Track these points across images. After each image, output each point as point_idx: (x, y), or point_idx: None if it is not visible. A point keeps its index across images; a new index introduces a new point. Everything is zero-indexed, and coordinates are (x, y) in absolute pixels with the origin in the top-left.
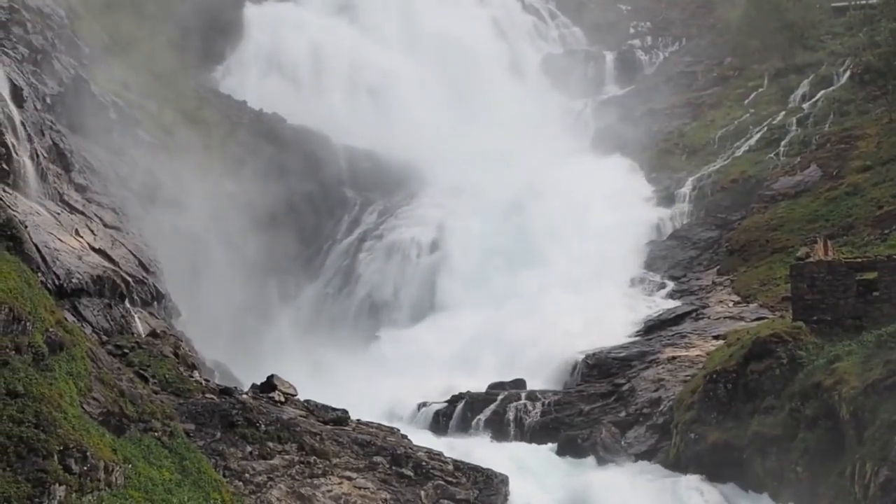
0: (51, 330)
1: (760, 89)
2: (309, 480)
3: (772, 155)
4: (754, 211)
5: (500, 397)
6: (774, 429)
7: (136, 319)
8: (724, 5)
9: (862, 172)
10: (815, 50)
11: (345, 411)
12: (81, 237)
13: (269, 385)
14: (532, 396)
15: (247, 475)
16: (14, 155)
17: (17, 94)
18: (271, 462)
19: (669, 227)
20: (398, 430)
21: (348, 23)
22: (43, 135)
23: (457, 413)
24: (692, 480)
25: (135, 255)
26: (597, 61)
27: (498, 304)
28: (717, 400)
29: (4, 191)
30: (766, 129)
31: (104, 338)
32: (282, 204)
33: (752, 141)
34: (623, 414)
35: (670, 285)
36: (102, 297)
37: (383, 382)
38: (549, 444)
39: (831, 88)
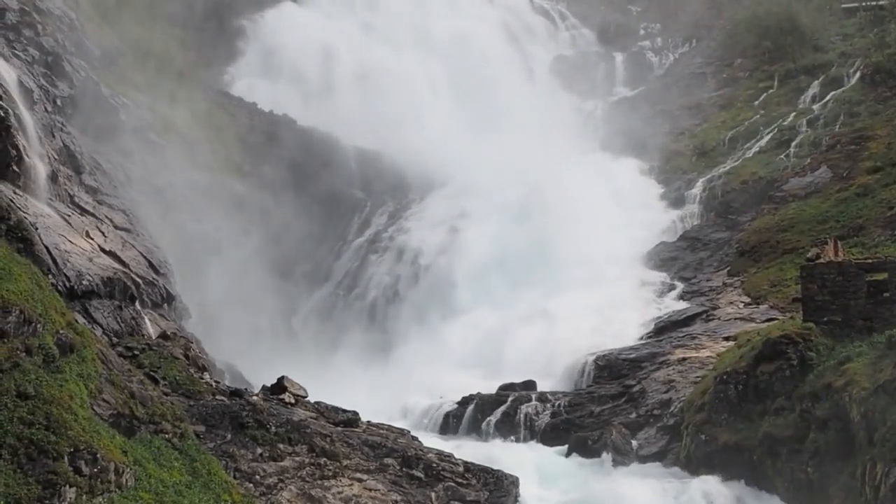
0: (61, 332)
1: (770, 90)
2: (319, 482)
3: (782, 156)
4: (764, 212)
5: (510, 399)
6: (785, 430)
7: (147, 321)
8: (734, 7)
9: (872, 173)
10: (825, 51)
11: (355, 413)
12: (92, 239)
13: (280, 387)
14: (542, 398)
15: (257, 477)
16: (25, 157)
17: (27, 96)
18: (282, 464)
19: (680, 228)
20: (408, 432)
21: (358, 24)
22: (53, 137)
23: (467, 414)
24: (703, 482)
25: (145, 257)
26: (607, 62)
27: (508, 306)
28: (727, 401)
29: (15, 193)
30: (776, 130)
31: (114, 339)
32: (292, 206)
33: (763, 142)
34: (633, 415)
35: (680, 286)
36: (113, 298)
37: (394, 384)
38: (560, 446)
39: (841, 89)
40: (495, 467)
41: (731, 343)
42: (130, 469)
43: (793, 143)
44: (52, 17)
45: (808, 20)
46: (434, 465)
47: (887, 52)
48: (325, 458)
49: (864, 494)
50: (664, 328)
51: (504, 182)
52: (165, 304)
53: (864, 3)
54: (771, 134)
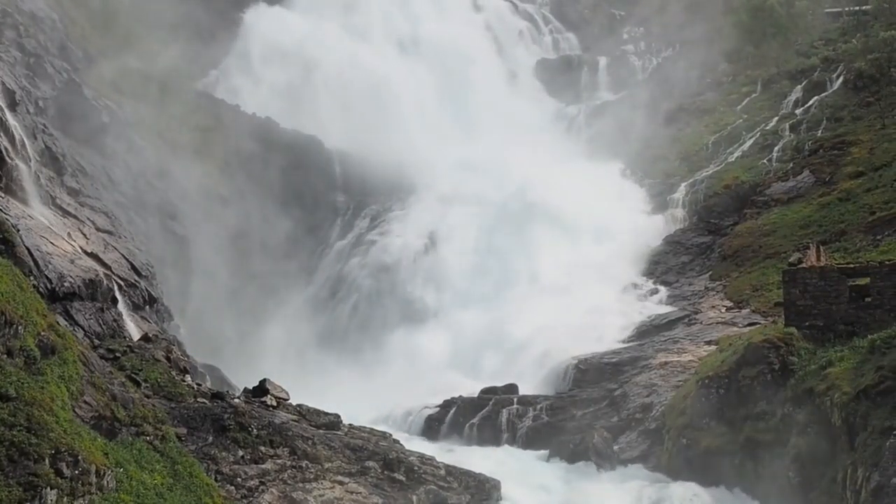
0: (43, 334)
1: (753, 95)
2: (301, 485)
3: (765, 160)
4: (747, 216)
5: (491, 402)
6: (766, 434)
7: (129, 323)
8: (717, 11)
9: (855, 178)
10: (808, 56)
11: (337, 416)
12: (74, 241)
13: (262, 389)
14: (524, 401)
15: (238, 479)
16: (6, 159)
17: (9, 98)
18: (263, 466)
19: (662, 232)
20: (390, 435)
21: (343, 27)
22: (35, 138)
23: (449, 418)
24: (684, 486)
25: (127, 259)
26: (590, 66)
27: (490, 310)
28: (709, 405)
29: None
30: (759, 134)
31: (96, 342)
32: (274, 208)
33: (746, 146)
34: (615, 419)
35: (663, 290)
36: (95, 300)
37: (375, 387)
38: (542, 450)
39: (824, 94)
40: (477, 471)
41: (714, 347)
42: (111, 471)
43: (775, 148)
44: (34, 19)
45: (792, 25)
46: (415, 468)
47: (870, 58)
48: (306, 461)
49: (846, 499)
50: (646, 332)
51: (487, 185)
52: (147, 307)
53: (847, 8)
54: (754, 138)
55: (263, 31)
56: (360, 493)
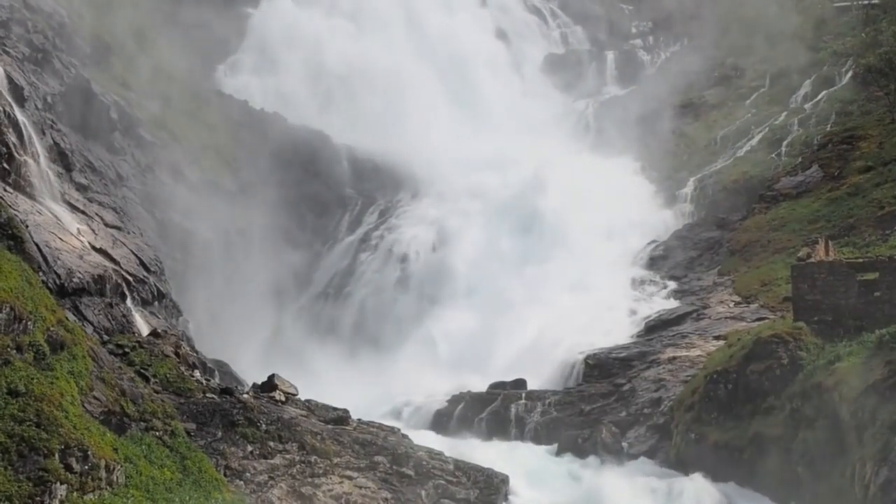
0: (52, 329)
1: (762, 89)
2: (310, 480)
3: (773, 155)
4: (755, 211)
5: (500, 397)
6: (775, 429)
7: (137, 319)
8: (726, 5)
9: (863, 173)
10: (817, 50)
11: (346, 411)
12: (82, 236)
13: (270, 385)
14: (533, 396)
15: (248, 474)
16: (15, 154)
17: (17, 94)
18: (272, 461)
19: (671, 227)
20: (399, 430)
21: (351, 23)
22: (44, 134)
23: (457, 413)
24: (692, 480)
25: (136, 255)
26: (598, 61)
27: (499, 305)
28: (717, 400)
29: (5, 190)
30: (767, 129)
31: (105, 337)
32: (283, 203)
33: (754, 141)
34: (623, 414)
35: (671, 285)
36: (103, 296)
37: (384, 382)
38: (550, 444)
39: (833, 89)
40: (485, 465)
41: (722, 342)
42: (121, 466)
43: (784, 143)
44: (42, 14)
45: (801, 19)
46: (424, 462)
47: (880, 52)
48: (315, 456)
49: (854, 494)
50: (655, 327)
51: (495, 180)
52: (156, 302)
53: (856, 2)
54: (762, 133)
55: (272, 26)
56: (369, 487)
